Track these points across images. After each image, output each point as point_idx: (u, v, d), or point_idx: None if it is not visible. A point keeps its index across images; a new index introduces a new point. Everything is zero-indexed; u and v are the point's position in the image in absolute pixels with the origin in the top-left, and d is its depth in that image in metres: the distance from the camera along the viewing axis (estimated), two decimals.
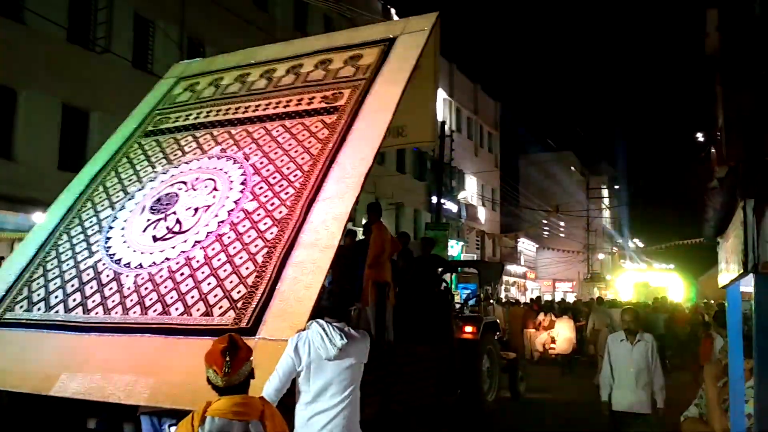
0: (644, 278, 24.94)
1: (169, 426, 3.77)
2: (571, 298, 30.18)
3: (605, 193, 49.89)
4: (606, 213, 49.96)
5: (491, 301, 9.30)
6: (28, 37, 11.51)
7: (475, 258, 28.73)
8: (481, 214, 33.15)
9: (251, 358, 2.51)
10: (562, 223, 41.61)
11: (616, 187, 52.14)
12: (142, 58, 14.32)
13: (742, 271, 2.63)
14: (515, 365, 9.60)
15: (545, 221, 41.72)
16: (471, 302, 9.78)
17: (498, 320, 9.14)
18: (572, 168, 47.54)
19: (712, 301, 15.31)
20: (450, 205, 26.37)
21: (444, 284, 7.57)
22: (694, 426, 3.88)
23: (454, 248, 25.19)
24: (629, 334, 5.08)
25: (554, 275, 42.67)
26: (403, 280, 6.84)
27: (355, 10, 19.67)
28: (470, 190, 31.39)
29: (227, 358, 2.34)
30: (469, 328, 7.87)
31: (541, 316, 14.27)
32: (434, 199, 21.73)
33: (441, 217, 21.73)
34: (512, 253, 38.96)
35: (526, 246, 41.81)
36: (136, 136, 5.98)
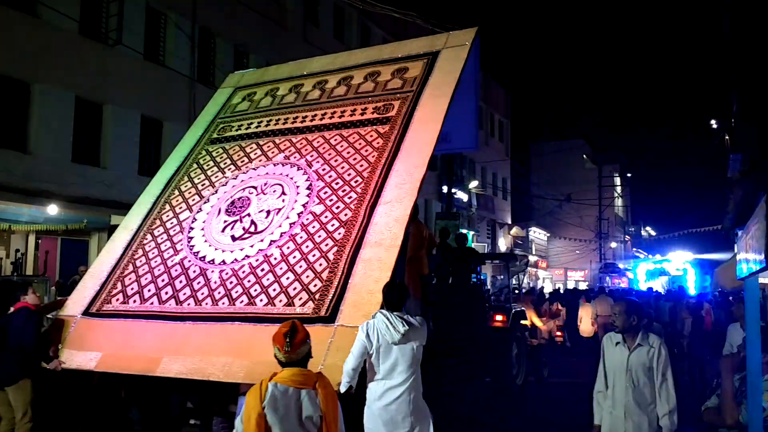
0: (659, 267, 25.39)
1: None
2: (582, 287, 30.66)
3: (617, 181, 50.10)
4: (618, 201, 50.18)
5: (516, 291, 9.87)
6: (41, 30, 11.65)
7: (486, 247, 29.24)
8: (492, 203, 33.59)
9: (309, 340, 2.99)
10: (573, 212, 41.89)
11: (629, 175, 52.34)
12: (154, 51, 14.56)
13: (764, 264, 2.74)
14: (539, 351, 10.21)
15: (557, 210, 42.03)
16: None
17: (525, 309, 9.74)
18: (584, 156, 47.78)
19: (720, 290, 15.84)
20: (461, 195, 26.83)
21: (478, 276, 8.17)
22: (713, 417, 4.01)
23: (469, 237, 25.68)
24: (626, 335, 3.91)
25: (566, 264, 43.05)
26: (442, 273, 7.43)
27: (368, 1, 19.87)
28: (481, 179, 31.80)
29: (287, 339, 2.87)
30: (499, 317, 8.46)
31: (546, 305, 14.94)
32: (445, 189, 22.13)
33: (452, 206, 22.18)
34: (523, 242, 39.43)
35: (537, 235, 42.23)
36: (203, 144, 6.57)
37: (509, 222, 37.60)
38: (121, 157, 13.36)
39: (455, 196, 23.72)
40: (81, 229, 12.87)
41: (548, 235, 43.21)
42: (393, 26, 23.53)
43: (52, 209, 11.76)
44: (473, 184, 29.83)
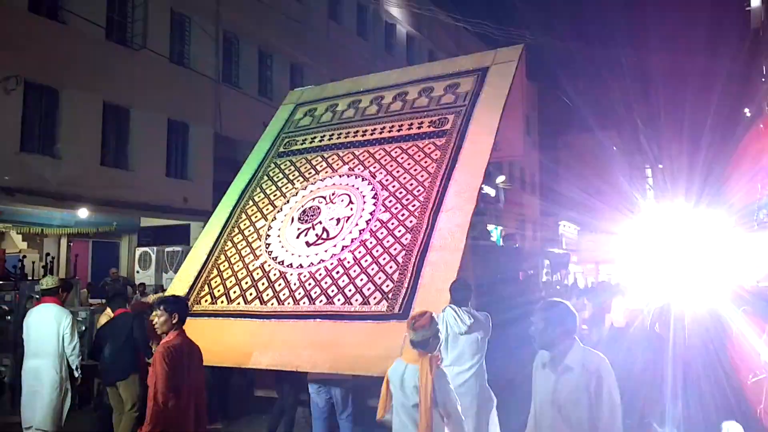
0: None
1: None
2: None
3: (649, 173, 49.62)
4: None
5: (557, 287, 10.32)
6: (68, 37, 11.85)
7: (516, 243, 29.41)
8: (520, 198, 33.69)
9: (431, 328, 3.50)
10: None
11: (660, 166, 51.72)
12: (179, 54, 14.66)
13: None
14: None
15: (587, 203, 41.85)
16: None
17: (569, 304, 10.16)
18: (614, 148, 47.45)
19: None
20: (488, 190, 27.02)
21: (523, 273, 8.64)
22: None
23: (493, 234, 25.84)
24: (553, 354, 2.86)
25: (597, 258, 42.84)
26: (491, 270, 7.90)
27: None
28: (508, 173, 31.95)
29: (413, 322, 3.50)
30: None
31: (573, 299, 15.56)
32: None
33: (479, 201, 22.26)
34: (553, 237, 39.44)
35: (567, 229, 42.15)
36: (271, 157, 7.19)
37: (538, 216, 37.67)
38: (148, 160, 13.56)
39: (482, 191, 23.97)
40: (111, 231, 13.31)
41: (578, 229, 43.08)
42: (416, 22, 23.84)
43: (83, 213, 12.05)
44: (500, 179, 30.04)
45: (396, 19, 22.98)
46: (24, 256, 10.67)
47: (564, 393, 2.78)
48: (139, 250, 13.21)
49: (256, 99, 15.83)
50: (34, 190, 11.20)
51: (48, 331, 5.50)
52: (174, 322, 3.77)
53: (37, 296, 7.21)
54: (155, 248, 12.88)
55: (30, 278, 9.19)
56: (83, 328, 6.86)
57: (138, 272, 12.99)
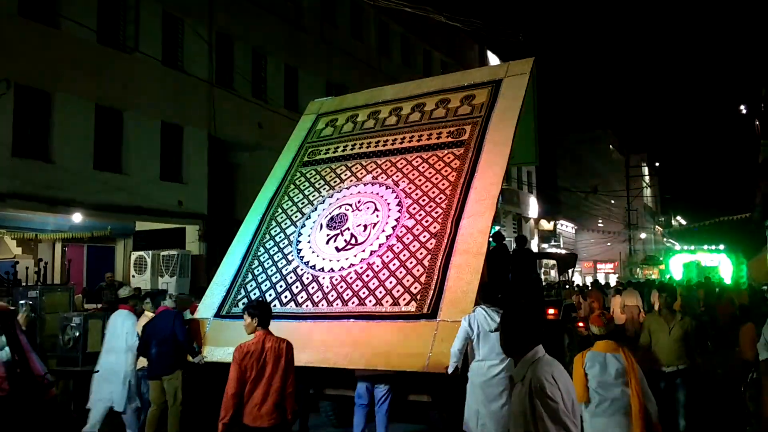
0: (694, 259, 25.83)
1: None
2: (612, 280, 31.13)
3: (645, 170, 50.15)
4: (647, 191, 50.23)
5: (566, 286, 10.75)
6: (61, 40, 11.80)
7: (511, 243, 29.83)
8: (517, 197, 34.07)
9: (612, 322, 4.35)
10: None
11: (657, 164, 52.33)
12: (172, 56, 14.46)
13: None
14: (588, 340, 11.06)
15: (584, 202, 42.30)
16: None
17: (574, 303, 10.60)
18: (610, 146, 47.96)
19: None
20: None
21: (535, 274, 9.05)
22: None
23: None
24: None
25: (595, 257, 43.33)
26: (503, 271, 8.31)
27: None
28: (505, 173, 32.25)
29: (602, 317, 4.27)
30: (552, 310, 9.33)
31: (573, 297, 16.05)
32: None
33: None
34: (551, 236, 39.88)
35: (565, 228, 42.59)
36: (296, 166, 7.57)
37: (535, 216, 38.07)
38: (142, 164, 13.50)
39: None
40: (106, 235, 13.17)
41: (576, 227, 43.54)
42: (411, 22, 24.03)
43: (77, 217, 12.00)
44: None
45: (390, 20, 23.10)
46: (17, 262, 10.59)
47: (514, 408, 2.49)
48: (135, 254, 12.93)
49: (250, 101, 15.72)
50: (27, 195, 11.13)
51: (119, 332, 6.24)
52: (256, 324, 4.30)
53: (31, 302, 7.53)
54: (150, 252, 12.69)
55: (24, 284, 8.90)
56: (77, 333, 6.74)
57: (134, 276, 12.74)
